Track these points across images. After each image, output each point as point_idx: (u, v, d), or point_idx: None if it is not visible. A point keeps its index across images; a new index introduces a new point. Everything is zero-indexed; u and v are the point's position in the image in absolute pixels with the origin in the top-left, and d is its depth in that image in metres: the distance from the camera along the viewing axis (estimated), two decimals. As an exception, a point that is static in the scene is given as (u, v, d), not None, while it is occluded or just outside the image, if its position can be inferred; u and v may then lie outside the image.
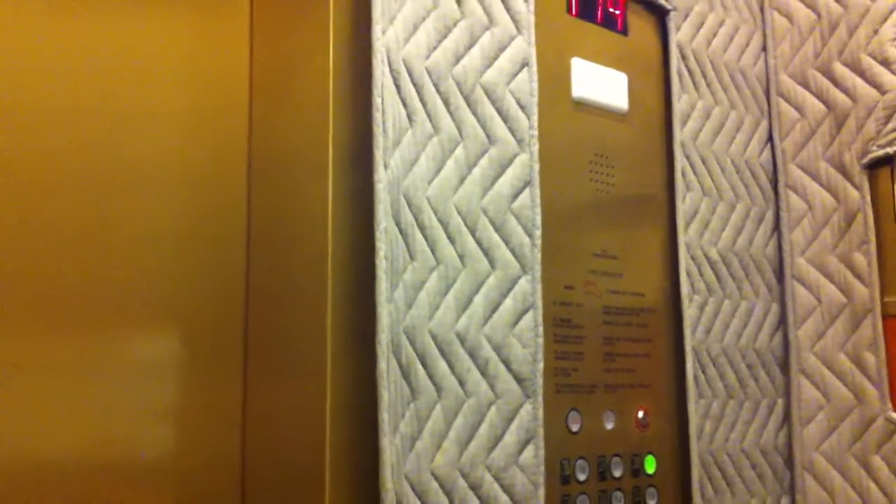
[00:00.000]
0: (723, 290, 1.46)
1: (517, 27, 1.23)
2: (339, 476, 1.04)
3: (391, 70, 1.09)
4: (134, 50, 1.14)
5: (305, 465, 1.05)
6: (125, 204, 1.11)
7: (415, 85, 1.12)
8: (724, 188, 1.50)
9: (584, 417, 1.26)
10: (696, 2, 1.50)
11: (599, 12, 1.37)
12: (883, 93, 1.49)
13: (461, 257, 1.13)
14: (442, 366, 1.10)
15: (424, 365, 1.08)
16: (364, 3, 1.10)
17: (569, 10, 1.34)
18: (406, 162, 1.09)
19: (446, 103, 1.15)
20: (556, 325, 1.25)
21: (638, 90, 1.41)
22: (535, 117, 1.22)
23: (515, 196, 1.20)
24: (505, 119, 1.20)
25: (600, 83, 1.35)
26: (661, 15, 1.46)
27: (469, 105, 1.17)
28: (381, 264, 1.04)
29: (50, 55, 1.08)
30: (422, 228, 1.10)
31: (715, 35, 1.53)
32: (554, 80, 1.30)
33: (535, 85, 1.23)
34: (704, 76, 1.50)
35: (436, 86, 1.14)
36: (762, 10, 1.63)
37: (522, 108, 1.22)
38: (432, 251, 1.11)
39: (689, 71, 1.47)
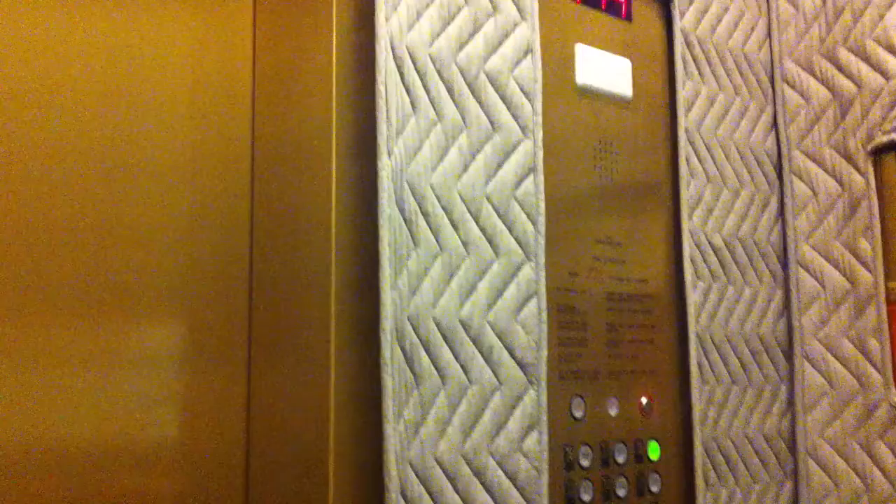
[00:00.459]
0: (727, 277, 1.46)
1: (521, 14, 1.23)
2: (343, 463, 1.04)
3: (395, 57, 1.09)
4: (137, 37, 1.14)
5: (309, 452, 1.06)
6: (129, 194, 1.12)
7: (418, 72, 1.12)
8: (729, 175, 1.50)
9: (588, 404, 1.27)
10: (700, -12, 1.50)
11: (603, -2, 1.37)
12: (888, 79, 1.49)
13: (465, 244, 1.14)
14: (446, 353, 1.10)
15: (428, 352, 1.08)
16: (368, -10, 1.11)
17: (573, -4, 1.33)
18: (409, 149, 1.10)
19: (450, 91, 1.15)
20: (559, 312, 1.25)
21: (642, 77, 1.41)
22: (538, 104, 1.22)
23: (519, 183, 1.20)
24: (509, 106, 1.20)
25: (604, 70, 1.35)
26: (665, 1, 1.46)
27: (473, 92, 1.17)
28: (385, 252, 1.05)
29: (54, 47, 1.08)
30: (425, 216, 1.10)
31: (719, 21, 1.52)
32: (558, 66, 1.30)
33: (539, 72, 1.23)
34: (709, 62, 1.49)
35: (439, 73, 1.14)
36: (767, -4, 1.63)
37: (526, 94, 1.22)
38: (436, 238, 1.11)
39: (694, 57, 1.47)
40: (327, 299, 1.05)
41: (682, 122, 1.43)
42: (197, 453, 1.14)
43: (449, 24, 1.16)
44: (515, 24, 1.22)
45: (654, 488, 1.33)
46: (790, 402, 1.53)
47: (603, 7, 1.37)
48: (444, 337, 1.10)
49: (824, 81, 1.56)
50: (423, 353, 1.08)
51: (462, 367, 1.12)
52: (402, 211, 1.08)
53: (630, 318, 1.34)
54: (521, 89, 1.22)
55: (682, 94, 1.44)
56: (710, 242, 1.44)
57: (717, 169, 1.48)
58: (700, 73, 1.48)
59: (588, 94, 1.33)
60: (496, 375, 1.14)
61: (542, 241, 1.20)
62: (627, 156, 1.37)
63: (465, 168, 1.15)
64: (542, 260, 1.20)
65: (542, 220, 1.20)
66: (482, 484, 1.11)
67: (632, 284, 1.35)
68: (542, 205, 1.21)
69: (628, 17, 1.40)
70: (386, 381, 1.03)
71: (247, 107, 1.21)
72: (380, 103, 1.07)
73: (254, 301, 1.18)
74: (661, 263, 1.40)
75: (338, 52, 1.09)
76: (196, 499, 1.14)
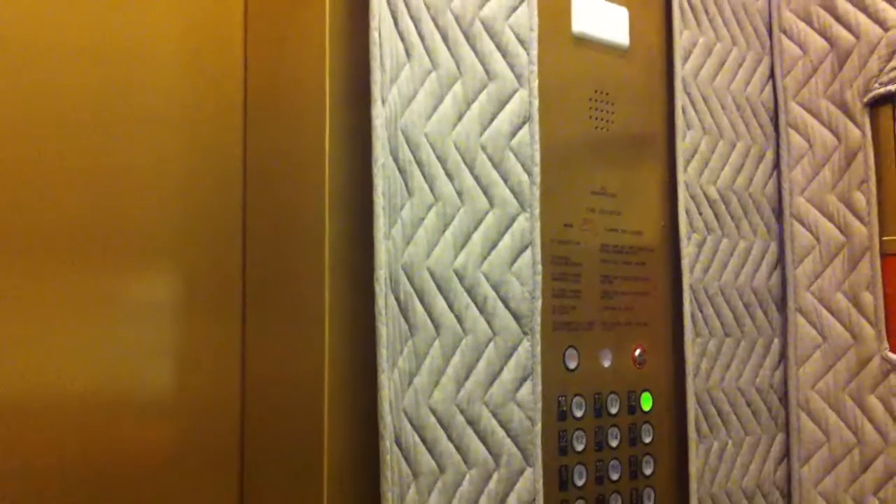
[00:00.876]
0: (721, 229, 1.46)
1: (517, -40, 1.21)
2: (338, 412, 1.04)
3: (388, 4, 1.07)
4: (126, 23, 1.13)
5: (304, 402, 1.06)
6: (122, 142, 1.11)
7: (412, 19, 1.10)
8: (725, 126, 1.49)
9: (582, 355, 1.27)
10: (698, -64, 1.48)
11: (600, -54, 1.35)
12: (886, 29, 1.47)
13: (459, 194, 1.13)
14: (440, 303, 1.10)
15: (422, 302, 1.08)
16: (361, -65, 1.08)
17: (569, -57, 1.31)
18: (404, 98, 1.08)
19: (445, 38, 1.13)
20: (553, 264, 1.24)
21: (639, 25, 1.39)
22: (534, 52, 1.21)
23: (514, 133, 1.18)
24: (504, 54, 1.19)
25: (601, 18, 1.33)
26: (663, -51, 1.44)
27: (468, 40, 1.15)
28: (379, 201, 1.04)
29: (43, 47, 1.06)
30: (420, 165, 1.09)
31: (718, -30, 1.51)
32: (554, 14, 1.28)
33: (535, 19, 1.22)
34: (706, 11, 1.48)
35: (434, 20, 1.12)
36: (766, -56, 1.61)
37: (522, 43, 1.20)
38: (430, 188, 1.10)
39: (691, 6, 1.45)
40: (321, 249, 1.05)
41: (679, 71, 1.41)
42: (193, 403, 1.14)
43: (444, -30, 1.14)
44: (511, -29, 1.20)
45: (647, 439, 1.34)
46: (783, 355, 1.54)
47: (600, -46, 1.35)
48: (439, 287, 1.10)
49: (822, 32, 1.54)
50: (418, 303, 1.08)
51: (456, 317, 1.11)
52: (396, 160, 1.07)
53: (624, 269, 1.34)
54: (517, 37, 1.20)
55: (679, 43, 1.42)
56: (705, 194, 1.44)
57: (714, 120, 1.47)
58: (697, 23, 1.46)
59: (584, 42, 1.31)
60: (490, 326, 1.14)
61: (536, 191, 1.19)
62: (623, 106, 1.36)
63: (460, 117, 1.14)
64: (537, 211, 1.19)
65: (536, 170, 1.19)
66: (476, 433, 1.12)
67: (626, 236, 1.34)
68: (538, 155, 1.20)
69: (625, -35, 1.38)
70: (380, 331, 1.03)
71: (239, 50, 1.20)
72: (373, 49, 1.05)
73: (248, 251, 1.17)
74: (656, 215, 1.39)
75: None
76: (192, 448, 1.14)
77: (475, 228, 1.14)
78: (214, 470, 1.15)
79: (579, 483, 1.25)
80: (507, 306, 1.16)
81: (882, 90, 1.48)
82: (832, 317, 1.50)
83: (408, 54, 1.09)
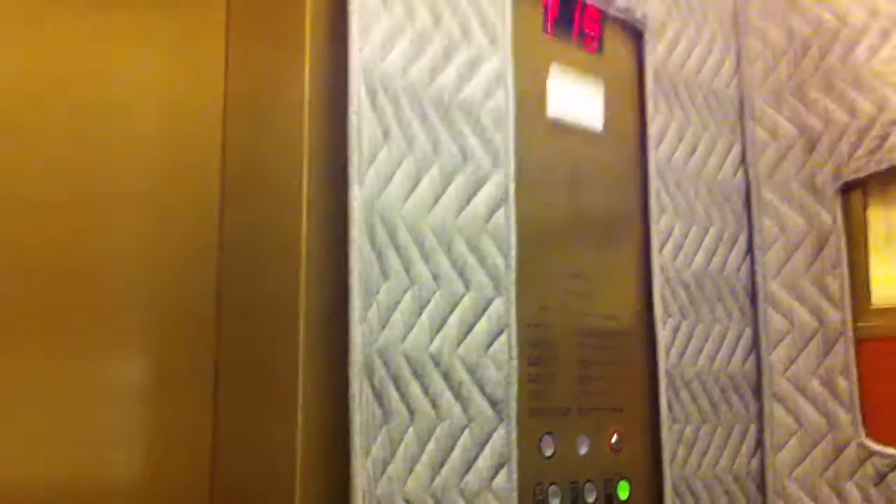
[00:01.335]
0: (696, 313, 1.45)
1: (493, 46, 1.22)
2: (310, 500, 1.01)
3: (367, 88, 1.07)
4: (109, 68, 1.12)
5: (276, 488, 1.03)
6: (95, 222, 1.09)
7: (390, 103, 1.10)
8: (698, 210, 1.49)
9: (558, 441, 1.24)
10: (671, 23, 1.50)
11: (575, 32, 1.36)
12: (855, 117, 1.50)
13: (435, 277, 1.12)
14: (415, 388, 1.08)
15: (397, 387, 1.06)
16: (341, 19, 1.09)
17: (545, 28, 1.33)
18: (381, 180, 1.08)
19: (422, 121, 1.13)
20: (530, 347, 1.23)
21: (613, 110, 1.40)
22: (510, 136, 1.21)
23: (490, 215, 1.18)
24: (480, 137, 1.19)
25: (576, 102, 1.34)
26: (636, 35, 1.46)
27: (444, 123, 1.15)
28: (355, 284, 1.02)
29: (21, 73, 1.05)
30: (396, 248, 1.08)
31: (689, 56, 1.53)
32: (530, 99, 1.29)
33: (511, 103, 1.22)
34: (678, 97, 1.49)
35: (411, 103, 1.12)
36: (736, 32, 1.63)
37: (498, 126, 1.20)
38: (406, 271, 1.09)
39: (664, 92, 1.47)
40: (295, 331, 1.03)
41: (653, 155, 1.42)
42: (162, 489, 1.10)
43: (422, 55, 1.14)
44: (488, 56, 1.21)
45: (624, 528, 1.31)
46: (759, 442, 1.52)
47: (574, 40, 1.36)
48: (414, 372, 1.08)
49: (791, 118, 1.56)
50: (393, 389, 1.05)
51: (431, 402, 1.09)
52: (372, 243, 1.05)
53: (600, 354, 1.32)
54: (493, 121, 1.20)
55: (653, 127, 1.43)
56: (680, 278, 1.43)
57: (687, 204, 1.47)
58: (670, 108, 1.48)
59: (559, 126, 1.32)
60: (466, 411, 1.12)
61: (512, 275, 1.18)
62: (598, 189, 1.36)
63: (437, 200, 1.13)
64: (513, 294, 1.18)
65: (513, 253, 1.19)
66: (451, 524, 1.09)
67: (602, 320, 1.33)
68: (514, 238, 1.19)
69: (600, 51, 1.40)
70: (354, 417, 1.00)
71: (217, 134, 1.19)
72: (351, 133, 1.05)
73: (221, 333, 1.15)
74: (631, 299, 1.38)
75: (310, 81, 1.07)
76: (156, 537, 1.10)
77: (451, 312, 1.13)
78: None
79: (556, 574, 1.22)
80: (482, 391, 1.14)
81: (852, 176, 1.50)
82: (808, 403, 1.49)
83: (385, 137, 1.09)
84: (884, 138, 1.47)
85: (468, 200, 1.16)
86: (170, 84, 1.17)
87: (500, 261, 1.18)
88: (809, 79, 1.55)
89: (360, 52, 1.06)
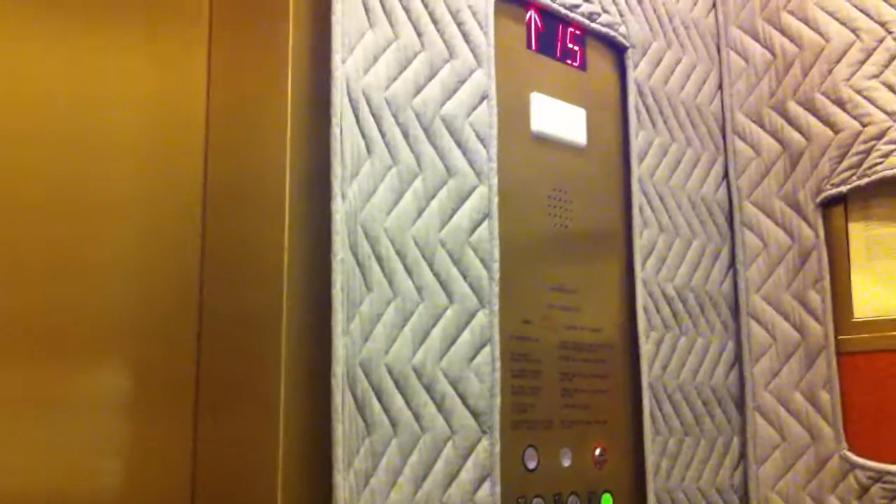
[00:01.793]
0: (679, 327, 1.46)
1: (477, 60, 1.23)
2: (292, 513, 1.01)
3: (350, 100, 1.08)
4: (91, 84, 1.12)
5: (258, 501, 1.02)
6: (75, 233, 1.09)
7: (374, 115, 1.11)
8: (681, 224, 1.50)
9: (541, 454, 1.25)
10: (653, 39, 1.51)
11: (559, 48, 1.37)
12: (836, 132, 1.51)
13: (419, 290, 1.12)
14: (398, 400, 1.08)
15: (380, 399, 1.06)
16: (324, 33, 1.09)
17: (528, 44, 1.34)
18: (364, 192, 1.08)
19: (405, 134, 1.14)
20: (513, 360, 1.23)
21: (596, 125, 1.41)
22: (494, 150, 1.22)
23: (474, 229, 1.18)
24: (464, 151, 1.19)
25: (559, 118, 1.35)
26: (619, 52, 1.47)
27: (428, 136, 1.16)
28: (338, 296, 1.02)
29: (4, 83, 1.05)
30: (379, 260, 1.08)
31: (672, 73, 1.54)
32: (513, 113, 1.29)
33: (495, 118, 1.23)
34: (661, 113, 1.51)
35: (395, 116, 1.13)
36: (718, 49, 1.65)
37: (481, 140, 1.21)
38: (389, 283, 1.09)
39: (647, 108, 1.48)
40: (278, 344, 1.03)
41: (636, 171, 1.43)
42: (142, 501, 1.10)
43: (405, 68, 1.15)
44: (472, 71, 1.22)
45: (607, 541, 1.31)
46: (742, 455, 1.53)
47: (558, 56, 1.37)
48: (397, 384, 1.08)
49: (774, 134, 1.58)
50: (375, 401, 1.06)
51: (414, 414, 1.09)
52: (355, 255, 1.06)
53: (583, 367, 1.33)
54: (477, 135, 1.21)
55: (636, 143, 1.44)
56: (662, 292, 1.44)
57: (670, 218, 1.48)
58: (653, 123, 1.49)
59: (543, 141, 1.33)
60: (448, 424, 1.12)
61: (496, 287, 1.19)
62: (581, 203, 1.37)
63: (420, 212, 1.14)
64: (497, 307, 1.18)
65: (496, 266, 1.19)
66: (434, 536, 1.09)
67: (585, 333, 1.34)
68: (497, 251, 1.20)
69: (583, 67, 1.41)
70: (336, 429, 1.00)
71: (200, 146, 1.19)
72: (334, 145, 1.05)
73: (202, 345, 1.15)
74: (614, 312, 1.39)
75: (293, 94, 1.07)
76: (136, 552, 1.10)
77: (434, 324, 1.13)
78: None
79: (539, 587, 1.22)
80: (465, 404, 1.14)
81: (834, 191, 1.51)
82: (790, 416, 1.50)
83: (368, 150, 1.09)
84: (865, 154, 1.48)
85: (452, 214, 1.17)
86: (153, 96, 1.17)
87: (483, 274, 1.18)
88: (791, 95, 1.56)
89: (342, 65, 1.07)
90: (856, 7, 1.52)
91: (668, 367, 1.43)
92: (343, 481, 1.00)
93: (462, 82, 1.21)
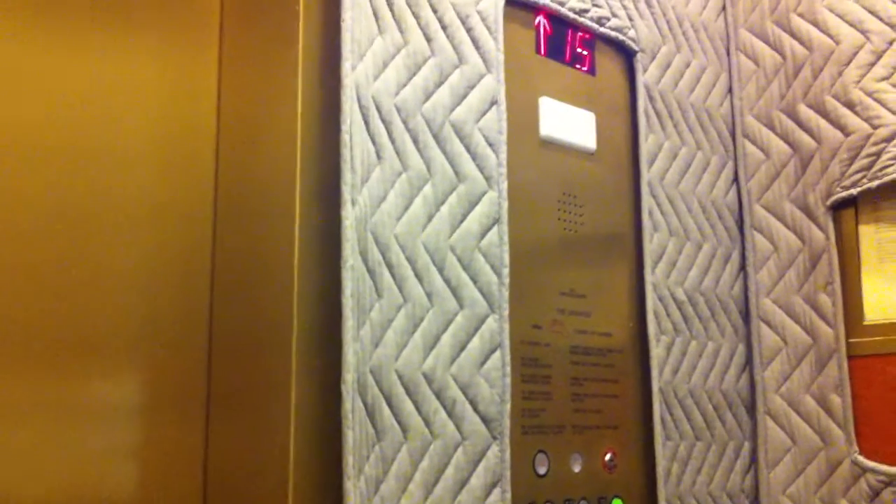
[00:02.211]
0: (689, 331, 1.46)
1: (486, 66, 1.23)
2: (303, 520, 1.01)
3: (360, 106, 1.08)
4: (102, 90, 1.12)
5: (268, 508, 1.03)
6: (88, 243, 1.09)
7: (384, 121, 1.11)
8: (691, 228, 1.50)
9: (552, 459, 1.25)
10: (663, 43, 1.51)
11: (568, 52, 1.37)
12: (847, 135, 1.50)
13: (429, 295, 1.12)
14: (408, 406, 1.08)
15: (390, 405, 1.06)
16: (333, 39, 1.10)
17: (537, 49, 1.34)
18: (374, 199, 1.08)
19: (415, 140, 1.14)
20: (523, 365, 1.23)
21: (605, 129, 1.41)
22: (503, 155, 1.22)
23: (484, 234, 1.18)
24: (473, 156, 1.19)
25: (568, 122, 1.34)
26: (628, 56, 1.47)
27: (438, 142, 1.16)
28: (348, 302, 1.02)
29: (13, 92, 1.06)
30: (389, 266, 1.09)
31: (681, 76, 1.54)
32: (522, 118, 1.29)
33: (504, 123, 1.23)
34: (671, 116, 1.50)
35: (405, 122, 1.13)
36: (728, 52, 1.64)
37: (491, 145, 1.21)
38: (399, 289, 1.09)
39: (656, 111, 1.48)
40: (288, 350, 1.03)
41: (645, 174, 1.43)
42: (152, 509, 1.11)
43: (415, 74, 1.15)
44: (481, 76, 1.22)
45: (618, 546, 1.31)
46: (753, 459, 1.52)
47: (567, 61, 1.37)
48: (407, 390, 1.08)
49: (784, 136, 1.57)
50: (386, 407, 1.06)
51: (424, 421, 1.09)
52: (365, 261, 1.06)
53: (594, 371, 1.33)
54: (486, 140, 1.21)
55: (646, 147, 1.44)
56: (672, 296, 1.44)
57: (680, 222, 1.48)
58: (662, 127, 1.48)
59: (552, 145, 1.33)
60: (459, 430, 1.12)
61: (506, 292, 1.19)
62: (591, 208, 1.37)
63: (430, 218, 1.14)
64: (507, 312, 1.18)
65: (506, 271, 1.19)
66: (445, 542, 1.09)
67: (596, 337, 1.34)
68: (507, 256, 1.20)
69: (592, 71, 1.41)
70: (347, 435, 1.00)
71: (210, 156, 1.19)
72: (344, 152, 1.05)
73: (213, 352, 1.15)
74: (625, 316, 1.39)
75: (303, 101, 1.08)
76: (148, 557, 1.10)
77: (444, 330, 1.13)
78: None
79: (550, 593, 1.22)
80: (475, 409, 1.14)
81: (844, 194, 1.50)
82: (801, 420, 1.49)
83: (378, 156, 1.09)
84: (875, 156, 1.48)
85: (462, 219, 1.17)
86: (163, 105, 1.18)
87: (493, 279, 1.18)
88: (801, 97, 1.56)
89: (352, 71, 1.07)
90: (865, 9, 1.51)
91: (678, 372, 1.42)
92: (353, 487, 1.00)
93: (471, 88, 1.21)
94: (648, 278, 1.40)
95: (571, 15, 1.37)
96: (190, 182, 1.18)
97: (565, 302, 1.30)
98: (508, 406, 1.16)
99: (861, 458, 1.44)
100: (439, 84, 1.17)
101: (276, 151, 1.09)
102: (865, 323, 1.50)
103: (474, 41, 1.22)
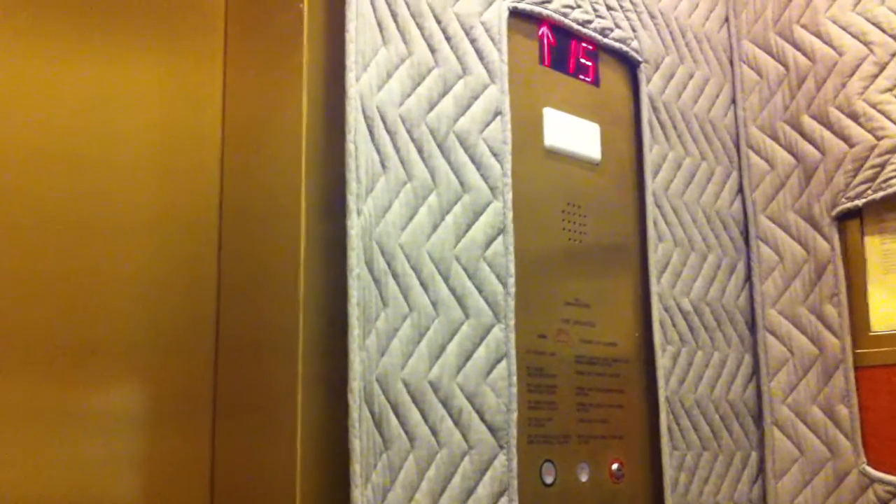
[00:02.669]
0: (695, 341, 1.46)
1: (490, 76, 1.23)
2: (309, 528, 1.01)
3: (365, 116, 1.08)
4: (108, 99, 1.13)
5: (275, 516, 1.03)
6: (95, 252, 1.10)
7: (388, 131, 1.11)
8: (696, 238, 1.50)
9: (558, 469, 1.24)
10: (666, 54, 1.51)
11: (571, 63, 1.38)
12: (851, 145, 1.51)
13: (434, 305, 1.12)
14: (415, 415, 1.08)
15: (397, 414, 1.06)
16: (338, 50, 1.10)
17: (541, 60, 1.34)
18: (379, 208, 1.08)
19: (419, 150, 1.14)
20: (529, 375, 1.23)
21: (609, 140, 1.41)
22: (508, 165, 1.22)
23: (489, 244, 1.19)
24: (478, 166, 1.20)
25: (572, 133, 1.35)
26: (632, 67, 1.47)
27: (442, 152, 1.17)
28: (354, 311, 1.03)
29: (18, 101, 1.07)
30: (395, 275, 1.09)
31: (685, 87, 1.54)
32: (526, 128, 1.30)
33: (508, 133, 1.23)
34: (675, 127, 1.51)
35: (409, 132, 1.14)
36: (731, 63, 1.65)
37: (495, 155, 1.22)
38: (405, 298, 1.09)
39: (660, 122, 1.48)
40: (295, 360, 1.03)
41: (650, 185, 1.43)
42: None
43: (419, 84, 1.16)
44: (485, 86, 1.23)
45: (626, 557, 1.31)
46: (760, 469, 1.52)
47: (571, 71, 1.38)
48: (414, 399, 1.08)
49: (788, 147, 1.57)
50: (392, 416, 1.06)
51: (431, 429, 1.09)
52: (371, 270, 1.06)
53: (599, 381, 1.32)
54: (491, 150, 1.21)
55: (650, 157, 1.44)
56: (678, 306, 1.44)
57: (685, 232, 1.48)
58: (666, 137, 1.49)
59: (556, 156, 1.33)
60: (465, 439, 1.12)
61: (511, 302, 1.19)
62: (596, 218, 1.37)
63: (435, 228, 1.14)
64: (512, 321, 1.18)
65: (511, 281, 1.19)
66: (451, 551, 1.09)
67: (601, 347, 1.34)
68: (512, 266, 1.20)
69: (596, 82, 1.41)
70: (354, 445, 1.00)
71: (215, 164, 1.20)
72: (349, 162, 1.06)
73: (219, 361, 1.16)
74: (630, 326, 1.39)
75: (308, 111, 1.08)
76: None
77: (450, 339, 1.13)
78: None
79: None
80: (482, 419, 1.14)
81: (849, 204, 1.50)
82: (808, 430, 1.49)
83: (383, 166, 1.10)
84: (880, 167, 1.48)
85: (467, 229, 1.17)
86: (169, 116, 1.18)
87: (498, 288, 1.18)
88: (805, 108, 1.56)
89: (357, 82, 1.08)
90: (869, 21, 1.52)
91: (684, 382, 1.42)
92: (360, 496, 1.00)
93: (475, 98, 1.21)
94: (654, 288, 1.40)
95: (575, 26, 1.37)
96: (195, 190, 1.18)
97: (570, 312, 1.30)
98: (515, 415, 1.16)
99: (868, 469, 1.44)
100: (443, 94, 1.18)
101: (281, 160, 1.10)
102: (871, 333, 1.49)
103: (478, 52, 1.23)
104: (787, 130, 1.58)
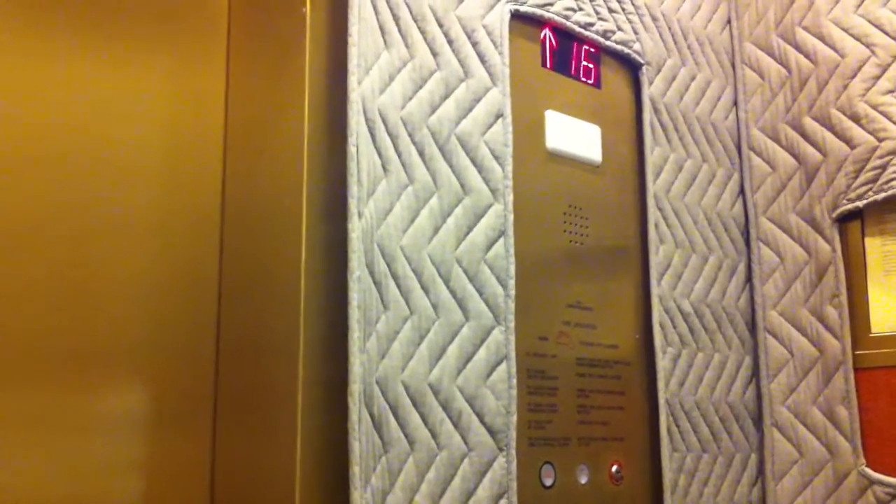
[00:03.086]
0: (696, 343, 1.46)
1: (492, 79, 1.24)
2: (309, 531, 1.02)
3: (366, 119, 1.09)
4: (111, 101, 1.14)
5: (275, 519, 1.03)
6: (96, 254, 1.10)
7: (390, 134, 1.12)
8: (697, 240, 1.50)
9: (558, 471, 1.25)
10: (668, 56, 1.52)
11: (573, 65, 1.38)
12: (852, 147, 1.51)
13: (435, 307, 1.12)
14: (414, 417, 1.08)
15: (397, 416, 1.07)
16: (340, 53, 1.11)
17: (543, 62, 1.34)
18: (380, 211, 1.09)
19: (421, 153, 1.15)
20: (529, 377, 1.24)
21: (611, 142, 1.41)
22: (509, 168, 1.22)
23: (489, 246, 1.19)
24: (479, 169, 1.20)
25: (574, 135, 1.35)
26: (633, 69, 1.47)
27: (444, 155, 1.17)
28: (354, 314, 1.03)
29: (21, 105, 1.07)
30: (395, 278, 1.09)
31: (687, 89, 1.54)
32: (528, 131, 1.30)
33: (510, 136, 1.24)
34: (677, 129, 1.51)
35: (411, 135, 1.14)
36: (733, 65, 1.65)
37: (497, 158, 1.22)
38: (406, 301, 1.10)
39: (662, 124, 1.48)
40: (295, 361, 1.03)
41: (651, 187, 1.43)
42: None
43: (421, 87, 1.16)
44: (487, 89, 1.23)
45: (625, 558, 1.31)
46: (760, 471, 1.52)
47: (573, 74, 1.38)
48: (413, 401, 1.08)
49: (790, 149, 1.58)
50: (392, 418, 1.06)
51: (431, 432, 1.10)
52: (371, 273, 1.07)
53: (600, 383, 1.33)
54: (492, 153, 1.22)
55: (651, 159, 1.44)
56: (679, 308, 1.44)
57: (686, 234, 1.48)
58: (668, 140, 1.49)
59: (558, 158, 1.33)
60: (465, 441, 1.12)
61: (512, 304, 1.19)
62: (597, 220, 1.37)
63: (436, 230, 1.15)
64: (512, 324, 1.19)
65: (512, 283, 1.20)
66: (451, 553, 1.09)
67: (602, 349, 1.34)
68: (513, 268, 1.20)
69: (597, 84, 1.42)
70: (353, 447, 1.01)
71: (217, 167, 1.20)
72: (350, 165, 1.06)
73: (220, 363, 1.16)
74: (631, 328, 1.39)
75: (309, 114, 1.09)
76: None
77: (450, 341, 1.13)
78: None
79: None
80: (481, 421, 1.14)
81: (850, 206, 1.50)
82: (808, 432, 1.49)
83: (385, 169, 1.10)
84: (881, 169, 1.48)
85: (467, 231, 1.18)
86: (171, 116, 1.19)
87: (499, 291, 1.19)
88: (807, 110, 1.56)
89: (359, 85, 1.08)
90: (871, 23, 1.52)
91: (684, 384, 1.43)
92: (360, 498, 1.00)
93: (477, 101, 1.22)
94: (654, 290, 1.40)
95: (577, 28, 1.37)
96: (197, 192, 1.19)
97: (571, 314, 1.31)
98: (514, 418, 1.17)
99: (868, 470, 1.44)
100: (445, 97, 1.18)
101: (283, 163, 1.10)
102: (872, 335, 1.50)
103: (480, 55, 1.23)
104: (789, 132, 1.58)
